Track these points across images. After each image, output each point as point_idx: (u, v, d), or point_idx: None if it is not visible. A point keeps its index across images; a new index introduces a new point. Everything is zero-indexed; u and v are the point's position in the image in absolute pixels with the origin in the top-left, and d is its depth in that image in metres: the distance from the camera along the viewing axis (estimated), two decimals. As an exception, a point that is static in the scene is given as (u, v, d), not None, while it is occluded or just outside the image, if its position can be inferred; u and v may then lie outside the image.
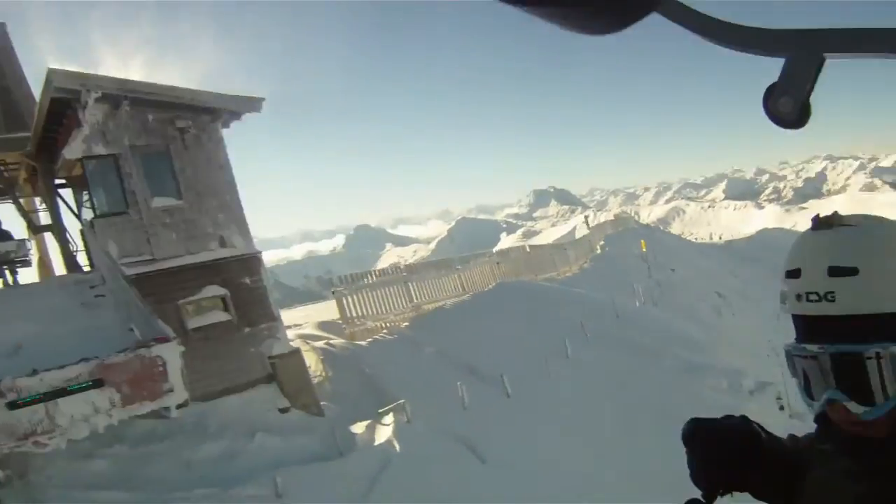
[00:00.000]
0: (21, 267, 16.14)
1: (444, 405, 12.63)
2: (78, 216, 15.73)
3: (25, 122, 15.18)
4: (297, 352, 14.62)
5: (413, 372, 14.26)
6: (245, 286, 13.89)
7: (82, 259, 15.39)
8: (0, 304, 10.61)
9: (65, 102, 12.25)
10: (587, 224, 40.34)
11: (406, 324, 17.67)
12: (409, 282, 19.20)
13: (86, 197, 14.46)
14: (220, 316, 13.39)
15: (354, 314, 17.34)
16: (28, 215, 16.17)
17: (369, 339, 16.63)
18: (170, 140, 13.20)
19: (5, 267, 15.63)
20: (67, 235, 15.79)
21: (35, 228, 16.20)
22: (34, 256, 17.13)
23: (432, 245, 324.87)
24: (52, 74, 11.39)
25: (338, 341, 16.63)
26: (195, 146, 13.51)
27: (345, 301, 17.32)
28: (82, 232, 14.80)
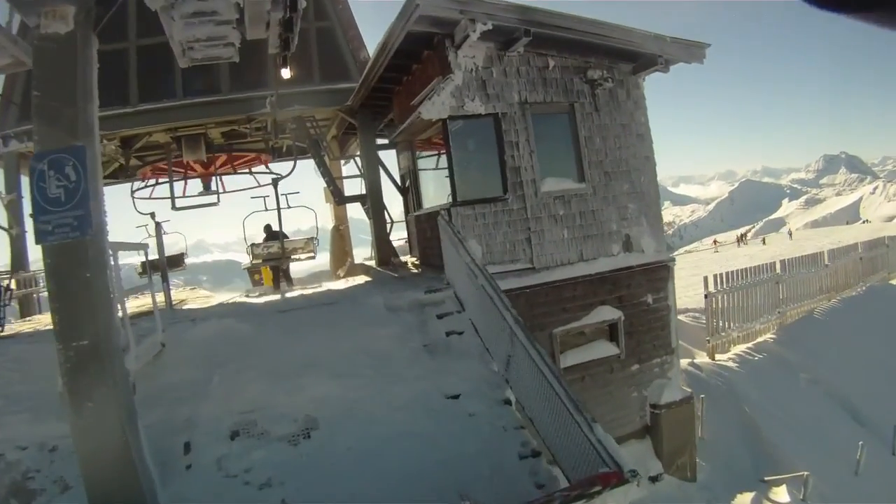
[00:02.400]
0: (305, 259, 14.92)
1: (832, 465, 10.34)
2: (402, 189, 12.62)
3: (347, 72, 12.17)
4: (688, 399, 10.49)
5: (790, 411, 11.76)
6: (645, 307, 9.86)
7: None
8: (281, 331, 7.13)
9: (424, 40, 8.64)
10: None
11: (771, 336, 14.65)
12: (779, 281, 15.49)
13: (425, 163, 11.02)
14: (606, 349, 9.64)
15: (722, 322, 14.06)
16: (334, 181, 13.34)
17: (730, 355, 13.64)
18: (575, 97, 9.15)
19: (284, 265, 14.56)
20: (386, 214, 12.75)
21: (339, 198, 13.30)
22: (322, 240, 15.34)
23: (711, 206, 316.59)
24: (418, -3, 7.62)
25: (703, 360, 13.49)
26: (609, 106, 9.38)
27: (714, 305, 13.82)
28: (411, 220, 11.74)
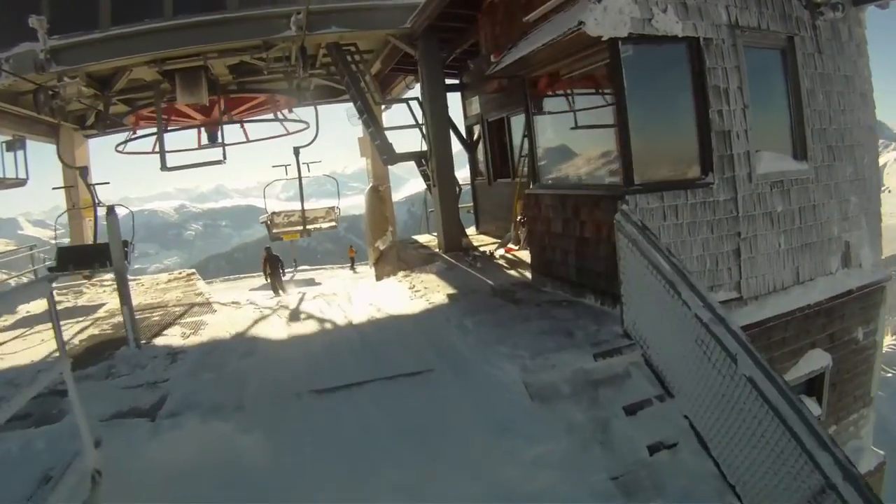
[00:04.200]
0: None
1: None
2: (470, 144, 8.80)
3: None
4: (881, 466, 7.09)
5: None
6: (854, 346, 6.28)
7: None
8: (324, 452, 3.50)
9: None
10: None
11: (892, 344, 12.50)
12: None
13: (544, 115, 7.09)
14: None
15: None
16: (382, 133, 9.30)
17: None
18: (794, 26, 5.38)
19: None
20: (457, 186, 9.04)
21: (389, 155, 9.22)
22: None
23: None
24: None
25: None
26: (831, 47, 5.67)
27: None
28: (484, 188, 8.01)
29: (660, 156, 4.80)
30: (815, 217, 5.56)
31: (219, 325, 5.93)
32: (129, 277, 11.70)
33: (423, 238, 10.70)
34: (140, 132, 11.73)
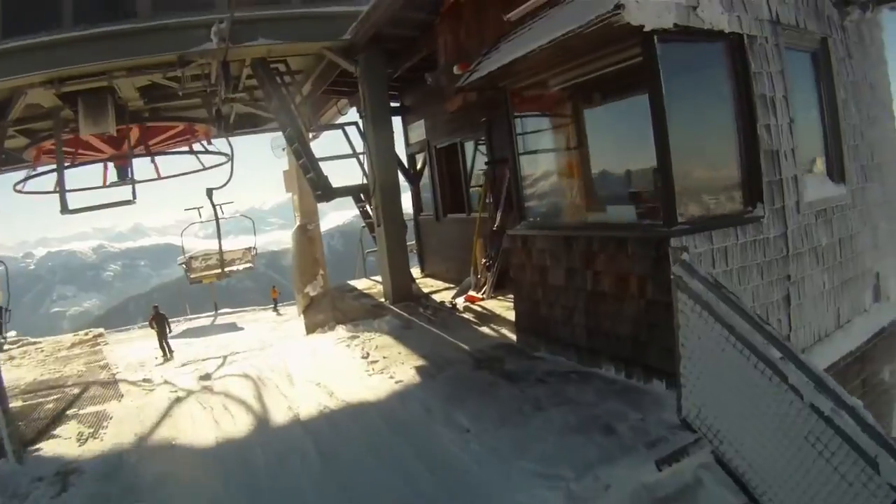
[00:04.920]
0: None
1: None
2: (413, 175, 7.51)
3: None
4: None
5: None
6: (882, 388, 5.35)
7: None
8: None
9: None
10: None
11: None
12: None
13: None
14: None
15: None
16: (317, 165, 7.68)
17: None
18: (826, 26, 4.54)
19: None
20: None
21: (324, 190, 7.62)
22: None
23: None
24: None
25: None
26: (858, 52, 4.94)
27: None
28: (430, 225, 6.76)
29: (701, 184, 3.68)
30: (852, 249, 4.67)
31: (125, 421, 4.30)
32: (30, 340, 9.84)
33: (361, 284, 9.20)
34: (42, 168, 9.78)
